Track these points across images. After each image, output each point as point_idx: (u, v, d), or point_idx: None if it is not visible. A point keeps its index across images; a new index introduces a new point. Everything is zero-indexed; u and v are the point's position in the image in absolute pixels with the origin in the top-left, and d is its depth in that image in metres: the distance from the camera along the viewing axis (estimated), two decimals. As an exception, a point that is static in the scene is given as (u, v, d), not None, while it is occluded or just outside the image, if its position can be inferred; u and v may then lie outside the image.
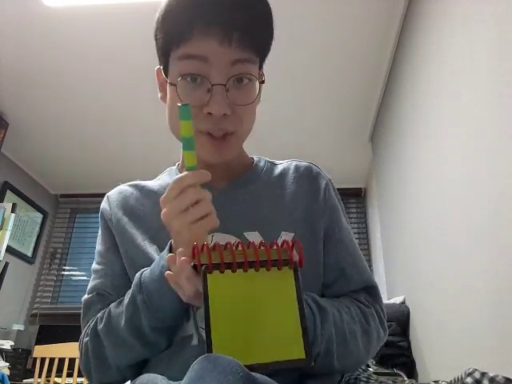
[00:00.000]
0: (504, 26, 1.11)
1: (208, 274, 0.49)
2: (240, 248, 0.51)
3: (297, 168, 0.77)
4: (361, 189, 3.80)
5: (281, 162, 0.81)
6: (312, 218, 0.71)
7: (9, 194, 3.28)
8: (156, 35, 0.67)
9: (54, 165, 3.52)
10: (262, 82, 0.67)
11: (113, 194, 0.78)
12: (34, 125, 2.99)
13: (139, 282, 0.62)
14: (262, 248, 0.52)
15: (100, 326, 0.65)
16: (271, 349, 0.47)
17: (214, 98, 0.61)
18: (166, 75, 0.67)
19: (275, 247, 0.51)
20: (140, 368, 0.66)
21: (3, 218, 2.86)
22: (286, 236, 0.67)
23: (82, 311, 0.72)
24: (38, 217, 3.70)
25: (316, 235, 0.70)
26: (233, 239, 0.65)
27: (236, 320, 0.48)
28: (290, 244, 0.52)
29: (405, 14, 2.02)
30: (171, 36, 0.63)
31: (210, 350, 0.45)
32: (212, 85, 0.61)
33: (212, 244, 0.52)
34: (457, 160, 1.43)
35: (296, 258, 0.52)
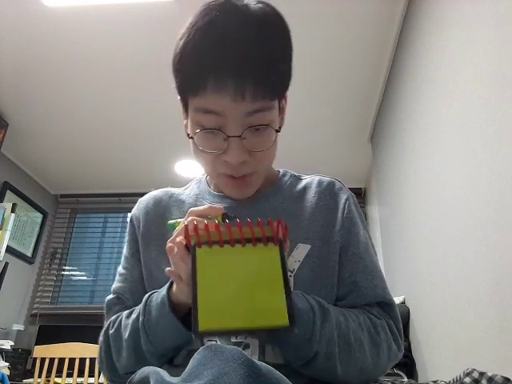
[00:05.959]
0: (504, 26, 1.11)
1: (197, 248, 0.53)
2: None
3: (319, 183, 0.78)
4: (361, 189, 3.79)
5: (306, 176, 0.82)
6: (329, 232, 0.72)
7: (9, 194, 3.28)
8: (174, 75, 0.66)
9: (54, 165, 3.52)
10: (278, 130, 0.67)
11: (144, 199, 0.81)
12: (34, 125, 2.99)
13: (145, 304, 0.65)
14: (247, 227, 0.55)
15: (111, 331, 0.69)
16: (256, 316, 0.49)
17: (230, 148, 0.63)
18: (186, 113, 0.68)
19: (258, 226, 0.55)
20: None
21: (3, 217, 2.86)
22: (303, 248, 0.69)
23: (104, 310, 0.76)
24: (38, 217, 3.70)
25: (332, 248, 0.71)
26: None
27: (222, 290, 0.50)
28: (276, 223, 0.55)
29: (405, 14, 2.02)
30: (187, 85, 0.64)
31: (195, 315, 0.48)
32: (228, 136, 0.63)
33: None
34: (457, 160, 1.43)
35: (281, 235, 0.55)
